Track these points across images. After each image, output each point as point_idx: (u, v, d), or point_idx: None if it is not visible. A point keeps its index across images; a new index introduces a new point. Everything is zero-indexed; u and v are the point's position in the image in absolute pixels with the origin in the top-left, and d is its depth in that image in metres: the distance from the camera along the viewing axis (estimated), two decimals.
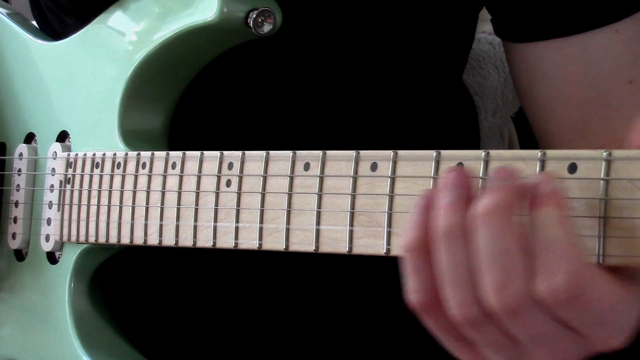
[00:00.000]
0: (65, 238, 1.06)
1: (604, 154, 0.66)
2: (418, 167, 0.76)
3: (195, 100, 1.06)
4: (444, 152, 0.75)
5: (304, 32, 1.05)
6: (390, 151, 0.78)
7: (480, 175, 0.72)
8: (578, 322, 0.66)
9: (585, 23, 0.93)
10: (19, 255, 1.14)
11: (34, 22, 1.23)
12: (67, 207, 1.06)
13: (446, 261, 0.67)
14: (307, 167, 0.84)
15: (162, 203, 0.95)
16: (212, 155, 0.92)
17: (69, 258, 1.07)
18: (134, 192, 0.98)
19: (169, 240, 0.95)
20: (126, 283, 1.12)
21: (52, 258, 1.10)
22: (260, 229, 0.87)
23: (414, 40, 1.07)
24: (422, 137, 1.11)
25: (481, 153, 0.72)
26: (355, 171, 0.80)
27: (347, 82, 1.08)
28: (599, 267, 0.65)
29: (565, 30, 0.94)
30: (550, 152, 0.69)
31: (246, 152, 0.89)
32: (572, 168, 0.68)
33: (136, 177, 0.98)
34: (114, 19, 1.07)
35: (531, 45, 0.98)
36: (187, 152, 0.94)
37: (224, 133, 1.08)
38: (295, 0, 1.00)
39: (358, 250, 0.80)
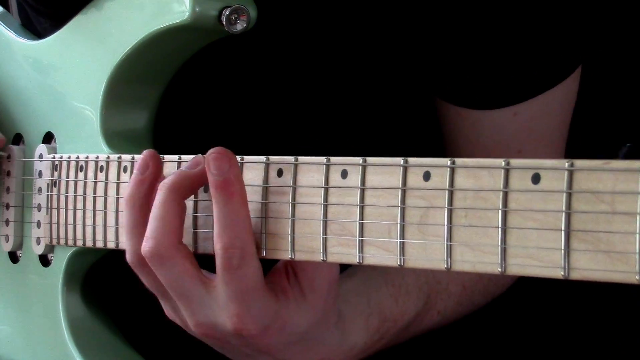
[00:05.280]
0: (54, 241, 1.06)
1: (566, 164, 0.64)
2: (386, 175, 0.75)
3: (178, 98, 1.05)
4: (411, 160, 0.74)
5: (284, 28, 1.03)
6: (360, 158, 0.77)
7: (447, 187, 0.71)
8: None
9: (486, 103, 1.04)
10: (13, 257, 1.14)
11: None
12: (54, 211, 1.05)
13: (125, 221, 0.88)
14: (280, 173, 0.83)
15: None
16: (189, 159, 0.90)
17: (61, 260, 1.07)
18: (117, 198, 0.97)
19: None
20: (120, 283, 1.11)
21: (44, 260, 1.10)
22: None
23: (405, 42, 1.05)
24: (423, 140, 1.10)
25: (447, 161, 0.71)
26: (327, 178, 0.79)
27: (331, 83, 1.06)
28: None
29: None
30: (514, 162, 0.67)
31: None
32: (536, 178, 0.66)
33: (118, 181, 0.97)
34: (88, 20, 1.05)
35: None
36: (165, 156, 0.93)
37: (208, 130, 1.07)
38: None
39: (332, 258, 0.79)
